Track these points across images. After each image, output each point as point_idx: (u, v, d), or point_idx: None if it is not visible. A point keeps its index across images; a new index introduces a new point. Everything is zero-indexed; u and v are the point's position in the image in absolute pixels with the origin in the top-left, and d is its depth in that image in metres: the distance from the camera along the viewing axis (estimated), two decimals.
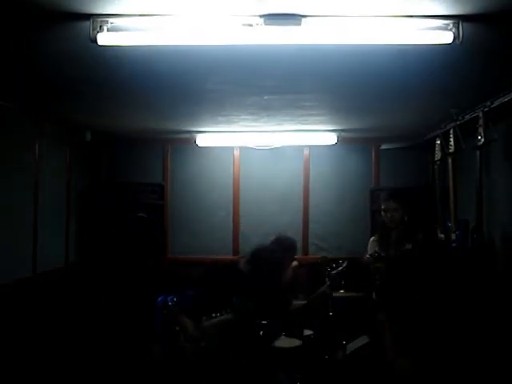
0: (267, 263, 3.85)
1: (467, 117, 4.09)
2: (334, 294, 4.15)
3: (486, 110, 3.71)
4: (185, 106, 4.30)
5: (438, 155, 4.77)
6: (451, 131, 4.36)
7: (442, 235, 4.68)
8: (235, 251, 6.25)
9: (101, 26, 2.30)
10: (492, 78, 3.33)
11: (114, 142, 6.20)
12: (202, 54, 2.74)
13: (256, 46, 2.52)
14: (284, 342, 3.67)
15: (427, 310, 3.86)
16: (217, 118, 4.73)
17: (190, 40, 2.40)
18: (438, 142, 4.74)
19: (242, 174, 6.31)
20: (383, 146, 6.17)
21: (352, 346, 3.98)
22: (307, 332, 4.10)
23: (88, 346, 4.59)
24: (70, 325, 4.83)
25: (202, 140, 5.72)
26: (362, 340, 4.09)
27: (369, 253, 4.26)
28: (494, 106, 3.64)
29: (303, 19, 2.26)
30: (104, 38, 2.32)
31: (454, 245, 4.48)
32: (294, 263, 4.60)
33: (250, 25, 2.29)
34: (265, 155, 6.22)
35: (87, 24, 2.31)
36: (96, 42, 2.34)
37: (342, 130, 5.42)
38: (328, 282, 4.08)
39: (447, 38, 2.34)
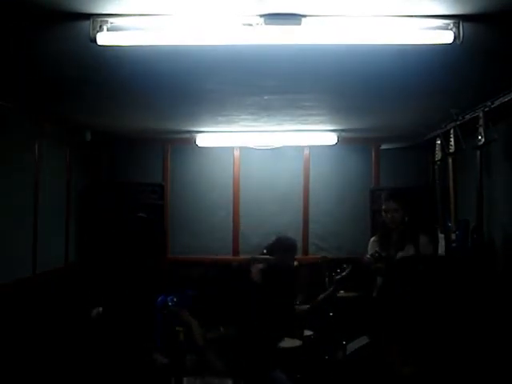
0: (284, 277, 3.88)
1: (467, 117, 4.09)
2: None
3: (486, 109, 3.71)
4: (185, 106, 4.30)
5: (438, 155, 4.77)
6: (451, 131, 4.36)
7: (442, 235, 4.69)
8: (235, 251, 6.26)
9: (101, 26, 2.29)
10: (492, 78, 3.33)
11: (114, 142, 6.20)
12: (202, 53, 2.73)
13: (256, 46, 2.51)
14: (284, 342, 3.68)
15: (427, 310, 3.86)
16: (217, 118, 4.73)
17: (190, 40, 2.39)
18: (438, 141, 4.73)
19: (242, 174, 6.31)
20: (383, 146, 6.17)
21: (352, 347, 3.98)
22: (307, 332, 4.11)
23: (88, 346, 4.59)
24: (69, 325, 4.82)
25: (202, 140, 5.72)
26: (362, 340, 4.09)
27: (369, 253, 4.26)
28: (494, 106, 3.63)
29: (303, 19, 2.26)
30: (104, 38, 2.32)
31: (454, 245, 4.48)
32: (294, 263, 4.61)
33: (250, 24, 2.29)
34: (265, 155, 6.21)
35: (87, 24, 2.30)
36: (96, 42, 2.33)
37: (342, 130, 5.42)
38: (332, 288, 4.10)
39: (447, 37, 2.33)
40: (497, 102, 3.60)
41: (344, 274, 4.12)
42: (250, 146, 6.07)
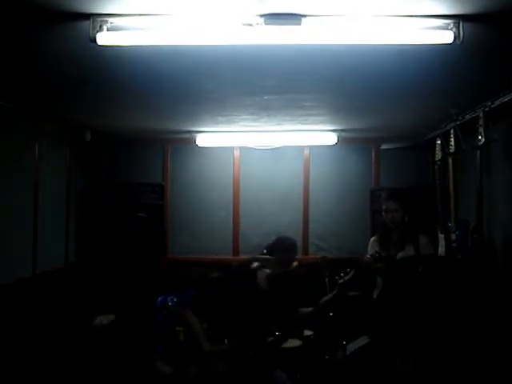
0: (289, 283, 3.89)
1: (467, 117, 4.09)
2: None
3: (486, 109, 3.71)
4: (185, 106, 4.30)
5: (438, 155, 4.77)
6: (451, 131, 4.36)
7: (442, 235, 4.69)
8: (235, 251, 6.25)
9: (100, 26, 2.29)
10: (492, 78, 3.33)
11: (114, 142, 6.20)
12: (202, 53, 2.73)
13: (256, 46, 2.51)
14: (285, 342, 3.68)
15: (428, 310, 3.86)
16: (217, 118, 4.73)
17: (190, 40, 2.39)
18: (438, 141, 4.73)
19: (242, 174, 6.30)
20: (383, 146, 6.17)
21: (352, 347, 3.98)
22: (307, 332, 4.12)
23: (88, 346, 4.58)
24: (69, 325, 4.82)
25: (202, 140, 5.72)
26: (362, 340, 4.09)
27: (369, 253, 4.26)
28: (494, 106, 3.64)
29: (303, 19, 2.26)
30: (104, 38, 2.32)
31: (454, 245, 4.49)
32: (295, 263, 4.60)
33: (250, 24, 2.29)
34: (265, 155, 6.21)
35: (87, 24, 2.30)
36: (96, 42, 2.33)
37: (342, 130, 5.42)
38: (335, 292, 4.10)
39: (447, 37, 2.33)
40: (497, 102, 3.60)
41: (347, 278, 4.12)
42: (249, 146, 6.06)
